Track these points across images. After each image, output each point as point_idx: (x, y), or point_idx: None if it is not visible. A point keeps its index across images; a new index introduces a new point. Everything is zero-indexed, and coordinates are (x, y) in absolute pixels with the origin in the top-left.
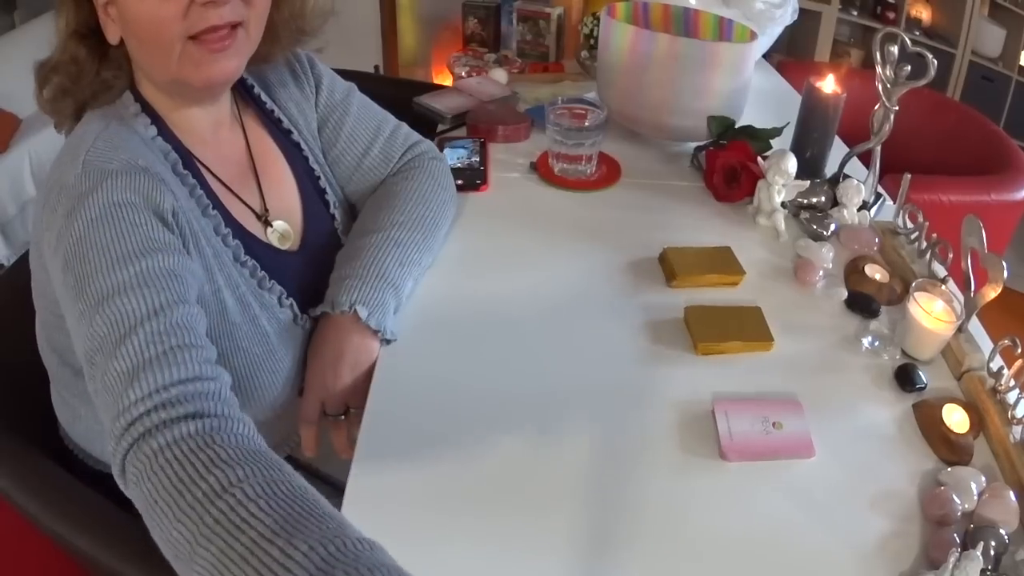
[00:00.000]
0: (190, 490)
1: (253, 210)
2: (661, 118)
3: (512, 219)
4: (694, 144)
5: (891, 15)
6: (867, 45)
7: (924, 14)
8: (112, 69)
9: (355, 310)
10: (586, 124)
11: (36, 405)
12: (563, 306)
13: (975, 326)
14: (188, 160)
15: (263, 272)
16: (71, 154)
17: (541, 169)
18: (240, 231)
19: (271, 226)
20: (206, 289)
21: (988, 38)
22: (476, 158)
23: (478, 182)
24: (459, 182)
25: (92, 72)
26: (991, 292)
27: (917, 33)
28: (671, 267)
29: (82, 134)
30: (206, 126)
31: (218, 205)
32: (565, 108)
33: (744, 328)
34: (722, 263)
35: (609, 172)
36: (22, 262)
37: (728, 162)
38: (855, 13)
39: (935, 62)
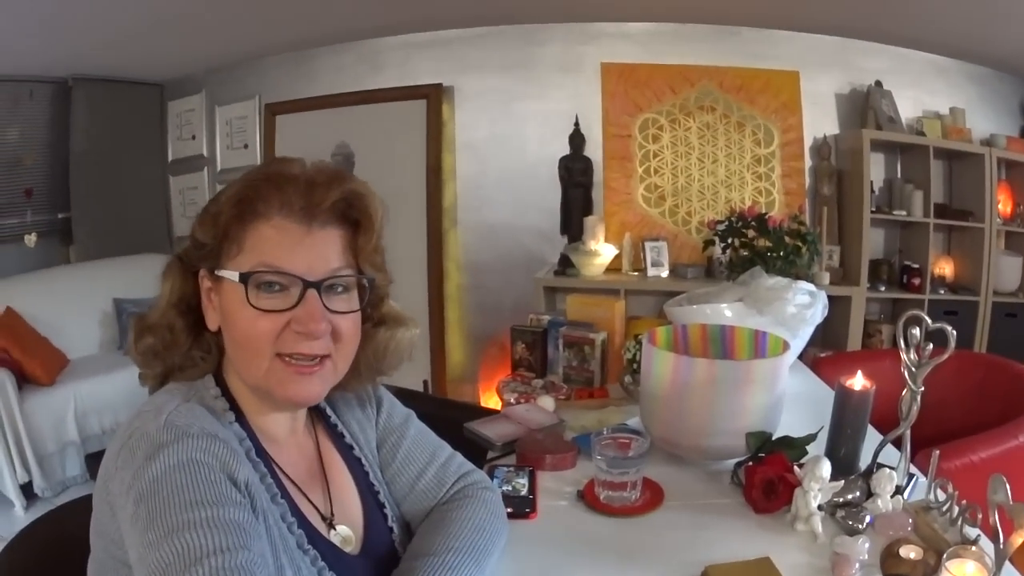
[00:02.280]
0: None
1: (319, 511)
2: (701, 441)
3: (559, 546)
4: (733, 460)
5: (917, 281)
6: (897, 319)
7: (947, 269)
8: (202, 350)
9: None
10: (630, 454)
11: None
12: None
13: (1007, 570)
14: (261, 452)
15: (323, 563)
16: (153, 412)
17: (588, 497)
18: (305, 523)
19: (335, 529)
20: (270, 563)
21: (1006, 272)
22: (525, 486)
23: (527, 510)
24: (509, 510)
25: (185, 346)
26: (1018, 539)
27: (942, 292)
28: None
29: (165, 400)
30: (282, 430)
31: (286, 496)
32: (610, 438)
33: None
34: (762, 573)
35: (653, 497)
36: (72, 508)
37: (766, 476)
38: (883, 288)
39: (954, 333)
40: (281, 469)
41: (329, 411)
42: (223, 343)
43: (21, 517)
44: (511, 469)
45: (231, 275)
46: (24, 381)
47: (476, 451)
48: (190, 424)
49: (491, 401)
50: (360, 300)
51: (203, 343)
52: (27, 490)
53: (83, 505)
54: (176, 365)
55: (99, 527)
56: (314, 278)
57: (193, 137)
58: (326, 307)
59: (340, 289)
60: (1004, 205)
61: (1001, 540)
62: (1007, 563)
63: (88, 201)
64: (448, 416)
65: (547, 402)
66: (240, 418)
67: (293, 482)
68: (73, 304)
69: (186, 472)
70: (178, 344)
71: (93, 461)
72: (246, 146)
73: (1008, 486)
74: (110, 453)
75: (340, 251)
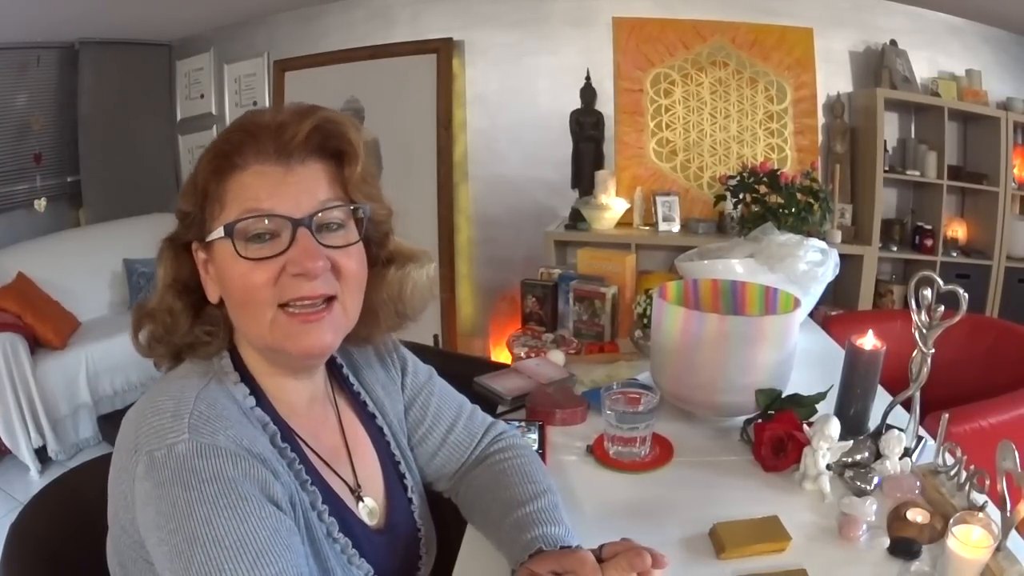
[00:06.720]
0: None
1: (347, 484)
2: (711, 397)
3: (568, 500)
4: (743, 418)
5: (929, 242)
6: (908, 280)
7: (960, 232)
8: (207, 326)
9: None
10: (640, 408)
11: None
12: None
13: (1013, 539)
14: (286, 432)
15: (354, 550)
16: (171, 408)
17: (597, 452)
18: (335, 505)
19: (362, 501)
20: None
21: (1021, 237)
22: (535, 441)
23: None
24: None
25: (186, 326)
26: None
27: (955, 254)
28: (720, 541)
29: (181, 388)
30: (302, 399)
31: (316, 480)
32: (620, 393)
33: None
34: (769, 532)
35: (662, 452)
36: (86, 470)
37: (775, 434)
38: (895, 248)
39: (966, 296)
40: (307, 444)
41: (352, 379)
42: (228, 316)
43: (37, 482)
44: (521, 423)
45: (217, 233)
46: (36, 345)
47: (486, 405)
48: (214, 431)
49: (501, 355)
50: (358, 232)
51: (207, 319)
52: (41, 454)
53: (96, 467)
54: (184, 346)
55: (114, 513)
56: (301, 214)
57: (202, 96)
58: (321, 244)
59: (335, 226)
60: (1020, 170)
61: (1008, 508)
62: (1013, 531)
63: (97, 164)
64: (458, 370)
65: (557, 356)
66: (260, 399)
67: (320, 457)
68: (83, 267)
69: (231, 515)
70: (179, 325)
71: (105, 422)
72: (255, 103)
73: (1017, 453)
74: (125, 444)
75: (327, 184)
